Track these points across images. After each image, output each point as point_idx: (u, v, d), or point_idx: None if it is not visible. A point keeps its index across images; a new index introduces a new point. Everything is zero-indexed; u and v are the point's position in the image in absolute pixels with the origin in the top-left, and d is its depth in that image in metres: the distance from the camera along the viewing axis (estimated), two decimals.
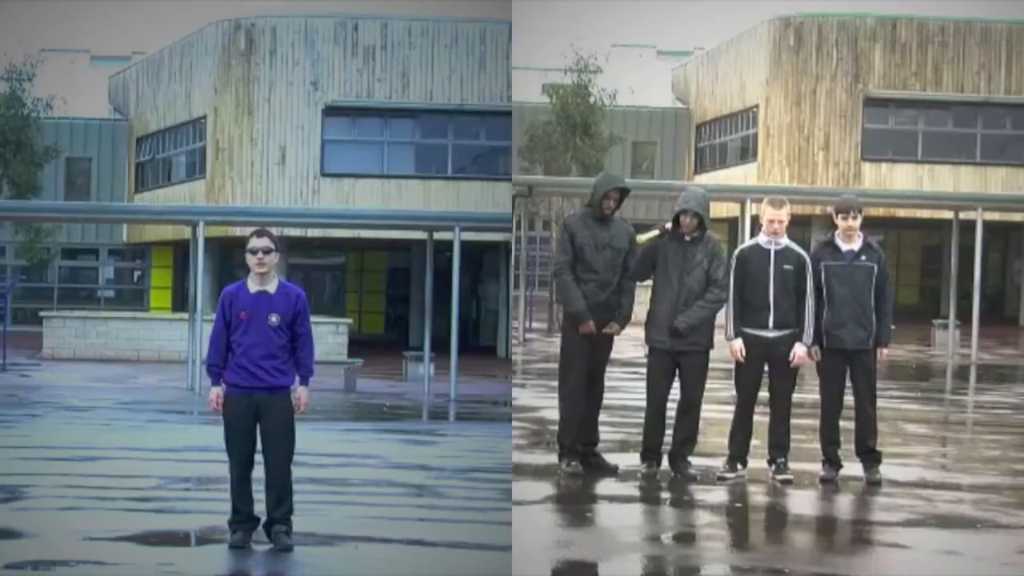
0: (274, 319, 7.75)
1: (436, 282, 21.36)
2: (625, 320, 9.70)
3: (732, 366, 9.79)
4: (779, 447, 9.64)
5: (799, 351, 9.53)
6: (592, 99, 33.70)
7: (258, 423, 7.81)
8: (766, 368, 9.70)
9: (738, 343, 9.51)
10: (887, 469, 9.79)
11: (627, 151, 38.90)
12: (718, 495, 9.06)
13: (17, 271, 35.12)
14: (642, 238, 9.54)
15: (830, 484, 9.52)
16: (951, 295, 25.43)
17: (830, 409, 9.72)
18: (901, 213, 32.03)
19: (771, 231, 9.57)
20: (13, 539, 8.10)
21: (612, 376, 20.02)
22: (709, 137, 39.07)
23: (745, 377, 9.65)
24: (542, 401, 14.59)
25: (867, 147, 33.86)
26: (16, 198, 30.12)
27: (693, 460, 9.66)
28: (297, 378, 7.91)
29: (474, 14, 29.53)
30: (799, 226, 29.76)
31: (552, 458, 9.96)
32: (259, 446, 7.89)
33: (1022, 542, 8.09)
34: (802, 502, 9.22)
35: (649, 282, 9.80)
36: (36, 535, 8.26)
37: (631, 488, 9.37)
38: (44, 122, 31.94)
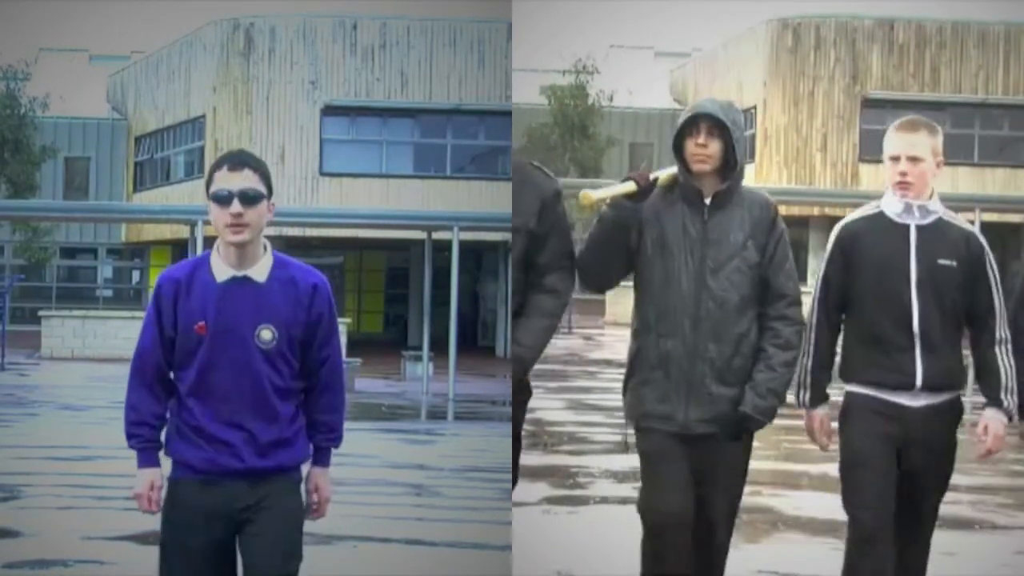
0: (266, 334, 4.00)
1: (434, 281, 21.38)
2: (522, 365, 5.03)
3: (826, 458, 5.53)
4: None
5: (995, 427, 4.88)
6: (590, 100, 33.73)
7: (236, 534, 4.06)
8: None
9: (821, 415, 4.92)
10: None
11: (625, 152, 38.91)
12: None
13: (15, 270, 35.12)
14: (593, 195, 4.76)
15: None
16: None
17: None
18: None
19: (900, 181, 4.83)
20: (11, 538, 8.09)
21: (607, 377, 20.12)
22: None
23: (864, 481, 4.85)
24: (539, 402, 14.59)
25: (865, 148, 33.87)
26: (13, 197, 30.15)
27: None
28: (310, 447, 4.18)
29: (473, 14, 29.55)
30: (796, 227, 29.84)
31: (550, 459, 9.95)
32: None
33: (1020, 543, 8.10)
34: (801, 502, 9.21)
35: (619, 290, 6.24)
36: (34, 534, 8.25)
37: (630, 489, 9.37)
38: (43, 121, 31.99)
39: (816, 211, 28.73)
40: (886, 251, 4.82)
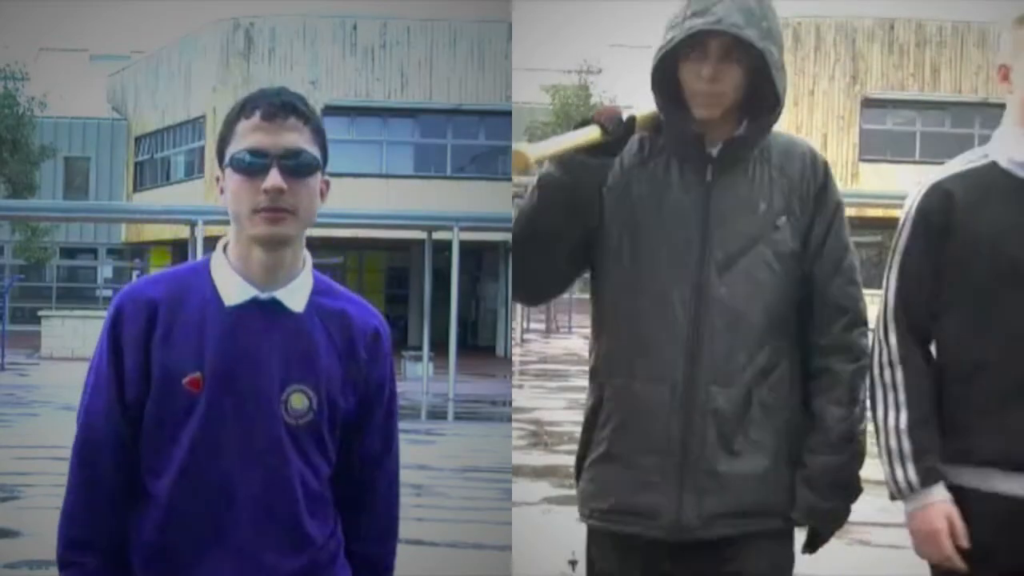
0: (298, 401, 2.44)
1: (434, 281, 21.39)
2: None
3: None
4: None
5: None
6: (592, 100, 33.76)
7: None
8: None
9: (943, 504, 2.84)
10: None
11: None
12: None
13: (15, 270, 35.13)
14: (530, 153, 2.76)
15: None
16: None
17: None
18: (900, 214, 32.04)
19: None
20: (11, 538, 8.09)
21: None
22: None
23: None
24: (539, 402, 14.60)
25: (865, 148, 33.90)
26: (12, 197, 30.18)
27: None
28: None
29: (473, 14, 29.56)
30: None
31: (551, 458, 9.95)
32: None
33: None
34: None
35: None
36: (34, 534, 8.24)
37: None
38: (43, 121, 32.02)
39: None
40: (1004, 225, 2.83)
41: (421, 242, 23.30)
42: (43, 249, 32.57)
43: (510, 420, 13.57)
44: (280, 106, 2.43)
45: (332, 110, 29.00)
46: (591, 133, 2.80)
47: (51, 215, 28.76)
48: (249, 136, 2.41)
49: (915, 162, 34.26)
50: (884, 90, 33.78)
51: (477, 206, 27.77)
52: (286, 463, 2.42)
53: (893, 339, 2.89)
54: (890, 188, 33.03)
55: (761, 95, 2.87)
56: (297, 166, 2.44)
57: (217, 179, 2.48)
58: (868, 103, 33.83)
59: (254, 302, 2.44)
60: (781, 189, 2.92)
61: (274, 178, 2.39)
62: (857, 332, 2.94)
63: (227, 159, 2.44)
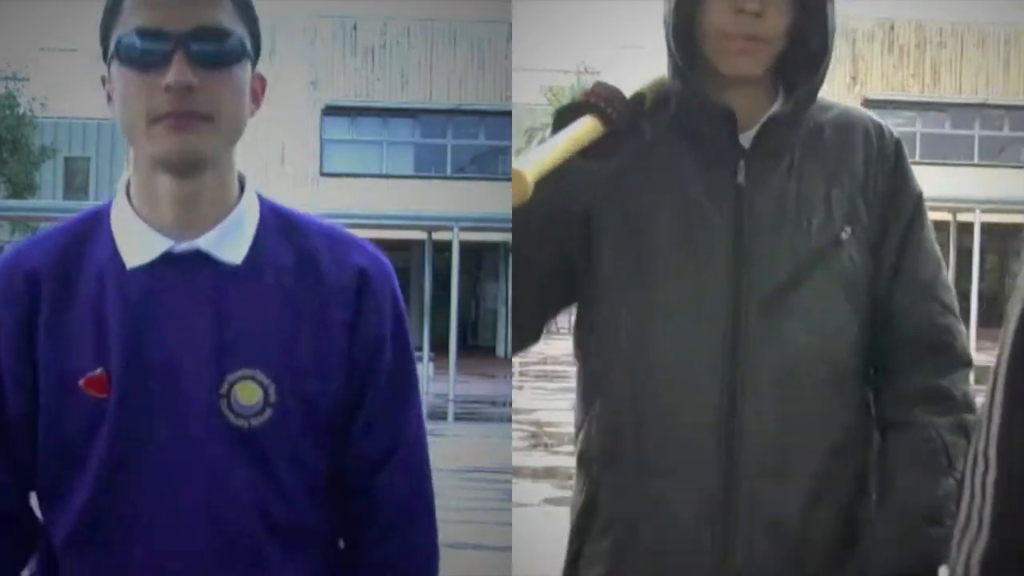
0: (245, 392, 1.67)
1: (435, 282, 21.43)
2: None
3: None
4: None
5: None
6: None
7: None
8: None
9: None
10: None
11: None
12: None
13: None
14: (529, 173, 1.81)
15: None
16: None
17: None
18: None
19: None
20: None
21: None
22: None
23: None
24: (539, 403, 14.60)
25: None
26: (12, 197, 30.25)
27: None
28: None
29: (474, 14, 29.58)
30: None
31: (551, 459, 9.96)
32: None
33: None
34: None
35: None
36: None
37: None
38: (43, 121, 32.07)
39: None
40: None
41: (421, 242, 23.34)
42: None
43: (510, 421, 13.58)
44: None
45: (332, 110, 29.02)
46: (587, 125, 1.97)
47: (51, 215, 28.78)
48: (140, 11, 1.65)
49: (915, 163, 33.87)
50: (884, 91, 33.79)
51: (477, 206, 27.79)
52: (235, 484, 1.68)
53: (998, 416, 1.62)
54: None
55: (797, 50, 2.01)
56: (214, 52, 1.65)
57: (103, 81, 1.71)
58: (868, 104, 33.81)
59: (168, 258, 1.69)
60: (841, 185, 2.05)
61: (179, 69, 1.63)
62: (959, 375, 2.03)
63: (112, 48, 1.68)
